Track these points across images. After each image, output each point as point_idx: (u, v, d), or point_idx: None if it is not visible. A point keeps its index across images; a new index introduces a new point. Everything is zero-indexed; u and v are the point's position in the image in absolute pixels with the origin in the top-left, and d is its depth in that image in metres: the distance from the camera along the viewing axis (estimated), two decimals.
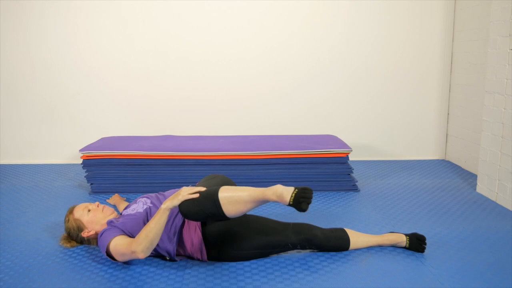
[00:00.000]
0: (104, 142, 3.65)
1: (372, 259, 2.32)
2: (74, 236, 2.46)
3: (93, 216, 2.42)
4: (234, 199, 2.04)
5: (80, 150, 3.44)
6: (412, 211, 3.03)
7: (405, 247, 2.43)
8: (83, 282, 2.11)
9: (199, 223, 2.29)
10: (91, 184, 3.46)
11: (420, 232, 2.59)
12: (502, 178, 3.13)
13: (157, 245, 2.23)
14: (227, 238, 2.28)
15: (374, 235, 2.51)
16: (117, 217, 2.47)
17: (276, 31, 4.27)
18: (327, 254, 2.38)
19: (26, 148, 4.40)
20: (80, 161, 4.16)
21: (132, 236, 2.26)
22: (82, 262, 2.31)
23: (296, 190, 2.05)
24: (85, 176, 3.48)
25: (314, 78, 4.35)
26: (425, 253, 2.39)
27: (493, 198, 3.24)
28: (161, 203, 2.34)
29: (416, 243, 2.40)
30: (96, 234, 2.42)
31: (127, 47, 4.25)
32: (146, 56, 4.27)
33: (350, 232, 2.44)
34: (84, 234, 2.42)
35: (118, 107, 4.35)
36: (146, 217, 2.32)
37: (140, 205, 2.45)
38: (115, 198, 3.18)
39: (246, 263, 2.29)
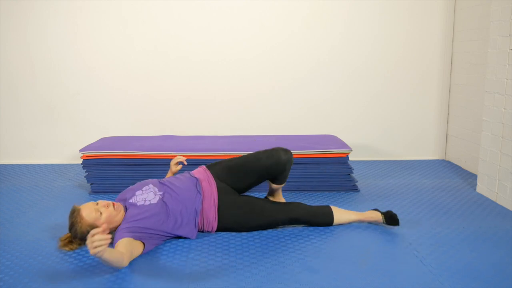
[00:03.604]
0: (104, 142, 3.65)
1: (372, 259, 2.32)
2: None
3: (108, 216, 2.41)
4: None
5: (80, 150, 3.44)
6: (412, 211, 3.03)
7: (382, 223, 2.73)
8: (83, 282, 2.11)
9: (216, 198, 2.61)
10: (91, 184, 3.45)
11: (421, 232, 2.64)
12: (502, 178, 3.13)
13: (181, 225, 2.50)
14: (237, 211, 2.63)
15: (356, 212, 2.80)
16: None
17: (276, 31, 4.27)
18: (327, 254, 2.38)
19: (26, 148, 4.40)
20: (80, 161, 4.16)
21: (150, 231, 2.40)
22: (82, 263, 2.30)
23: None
24: (85, 176, 3.48)
25: (314, 78, 4.35)
26: (425, 252, 2.39)
27: (493, 198, 3.24)
28: (167, 188, 2.56)
29: (390, 219, 2.68)
30: (110, 231, 2.44)
31: (127, 47, 4.25)
32: (146, 56, 4.27)
33: (335, 209, 2.75)
34: None
35: (118, 107, 4.35)
36: (165, 208, 2.47)
37: (151, 195, 2.52)
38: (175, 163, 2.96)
39: (246, 263, 2.29)
